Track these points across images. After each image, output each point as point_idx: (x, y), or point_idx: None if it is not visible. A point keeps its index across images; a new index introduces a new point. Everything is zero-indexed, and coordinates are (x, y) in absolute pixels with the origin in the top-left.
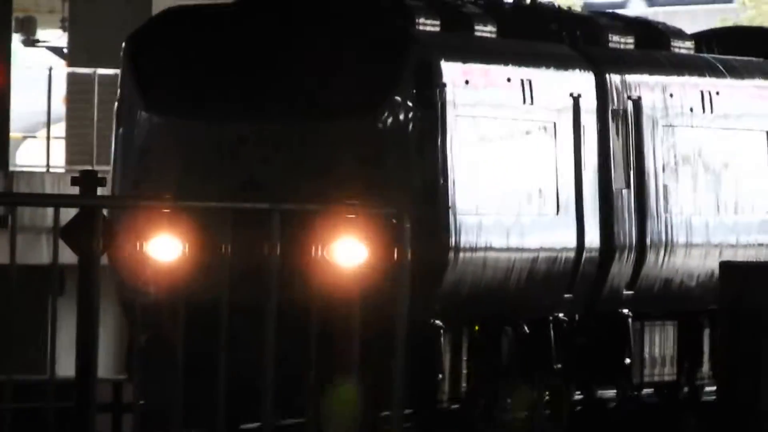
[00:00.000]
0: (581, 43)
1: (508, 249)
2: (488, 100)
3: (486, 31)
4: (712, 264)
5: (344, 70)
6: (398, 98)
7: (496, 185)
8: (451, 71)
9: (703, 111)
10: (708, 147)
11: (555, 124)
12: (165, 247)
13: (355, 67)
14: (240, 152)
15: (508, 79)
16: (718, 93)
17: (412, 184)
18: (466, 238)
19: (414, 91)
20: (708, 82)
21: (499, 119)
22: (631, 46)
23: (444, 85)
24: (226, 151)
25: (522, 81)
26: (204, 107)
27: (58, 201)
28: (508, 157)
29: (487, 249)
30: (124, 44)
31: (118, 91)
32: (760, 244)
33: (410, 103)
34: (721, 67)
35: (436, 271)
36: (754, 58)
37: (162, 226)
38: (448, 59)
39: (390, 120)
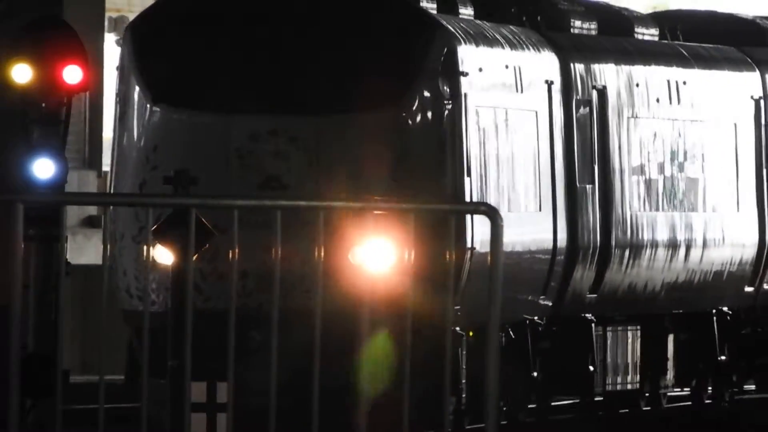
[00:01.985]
0: (543, 28)
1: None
2: (493, 88)
3: (466, 14)
4: (677, 265)
5: (368, 61)
6: (425, 88)
7: (501, 178)
8: (469, 58)
9: (670, 102)
10: (673, 140)
11: (536, 113)
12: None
13: (380, 56)
14: (260, 148)
15: (506, 66)
16: (685, 83)
17: (441, 176)
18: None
19: (440, 80)
20: (675, 72)
21: (499, 108)
22: (594, 32)
23: (465, 74)
24: (245, 147)
25: (515, 68)
26: (220, 100)
27: (152, 201)
28: (506, 148)
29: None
30: (125, 34)
31: (117, 84)
32: (731, 243)
33: (436, 93)
34: (688, 55)
35: (456, 271)
36: (722, 46)
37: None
38: (464, 45)
39: (417, 111)
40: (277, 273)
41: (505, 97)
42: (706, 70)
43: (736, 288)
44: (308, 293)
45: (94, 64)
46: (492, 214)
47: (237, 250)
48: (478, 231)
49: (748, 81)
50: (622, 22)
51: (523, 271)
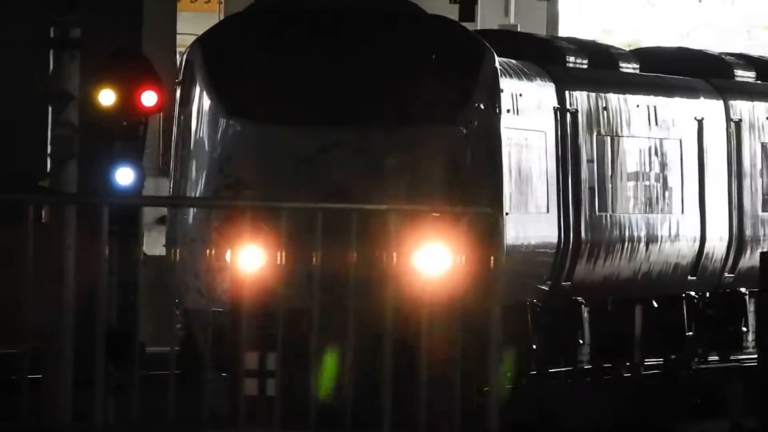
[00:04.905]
0: (549, 65)
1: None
2: (513, 108)
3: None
4: (643, 258)
5: (427, 77)
6: (478, 103)
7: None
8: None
9: (649, 124)
10: (642, 154)
11: (545, 134)
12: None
13: (436, 72)
14: (327, 158)
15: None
16: (655, 108)
17: (492, 185)
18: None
19: (488, 96)
20: (647, 99)
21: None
22: (585, 66)
23: (503, 91)
24: (313, 157)
25: (518, 94)
26: (290, 113)
27: (211, 203)
28: (524, 160)
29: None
30: (192, 48)
31: (178, 94)
32: (682, 239)
33: (487, 108)
34: (657, 85)
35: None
36: (690, 78)
37: (247, 234)
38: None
39: (470, 125)
40: (317, 275)
41: (521, 120)
42: (668, 98)
43: (680, 277)
44: (369, 296)
45: (166, 89)
46: (495, 217)
47: (283, 252)
48: (510, 232)
49: (703, 106)
50: (608, 58)
51: (530, 262)
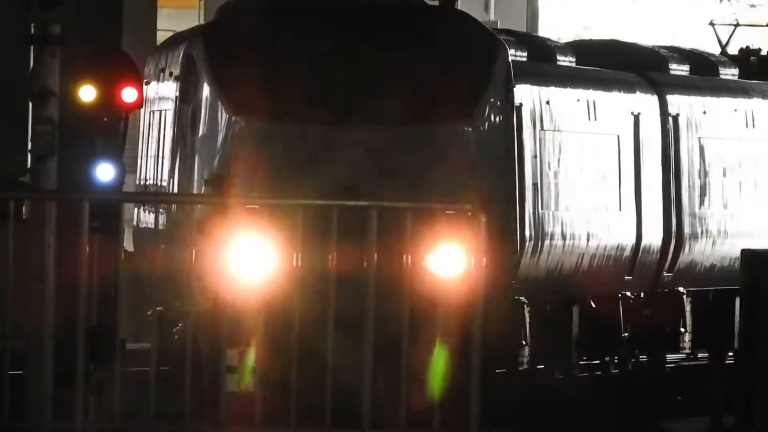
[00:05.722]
0: None
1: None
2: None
3: None
4: (579, 255)
5: (440, 74)
6: (493, 99)
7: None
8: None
9: (588, 118)
10: (578, 149)
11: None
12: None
13: (451, 69)
14: (336, 157)
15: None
16: (594, 102)
17: (508, 182)
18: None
19: (504, 92)
20: (585, 93)
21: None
22: (525, 59)
23: (514, 85)
24: (322, 156)
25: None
26: (297, 111)
27: (194, 200)
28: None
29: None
30: (194, 44)
31: (178, 90)
32: (616, 238)
33: (502, 104)
34: (593, 78)
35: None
36: (623, 72)
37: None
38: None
39: (486, 121)
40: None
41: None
42: (607, 92)
43: (617, 277)
44: (383, 298)
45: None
46: (476, 213)
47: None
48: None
49: (635, 100)
50: (547, 51)
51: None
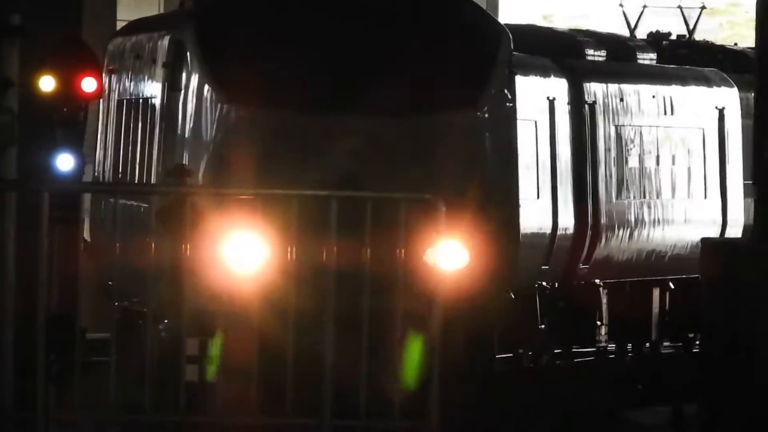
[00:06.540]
0: None
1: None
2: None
3: None
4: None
5: (442, 62)
6: (495, 88)
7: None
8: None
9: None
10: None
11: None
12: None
13: (454, 57)
14: (335, 147)
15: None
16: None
17: (511, 172)
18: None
19: (506, 81)
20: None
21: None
22: None
23: (515, 74)
24: (319, 146)
25: None
26: (294, 99)
27: (155, 189)
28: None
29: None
30: (185, 31)
31: (166, 77)
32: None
33: (504, 94)
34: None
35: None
36: (539, 57)
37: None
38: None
39: (489, 110)
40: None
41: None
42: (527, 77)
43: (533, 267)
44: (380, 294)
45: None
46: (436, 204)
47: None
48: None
49: (554, 85)
50: None
51: None
